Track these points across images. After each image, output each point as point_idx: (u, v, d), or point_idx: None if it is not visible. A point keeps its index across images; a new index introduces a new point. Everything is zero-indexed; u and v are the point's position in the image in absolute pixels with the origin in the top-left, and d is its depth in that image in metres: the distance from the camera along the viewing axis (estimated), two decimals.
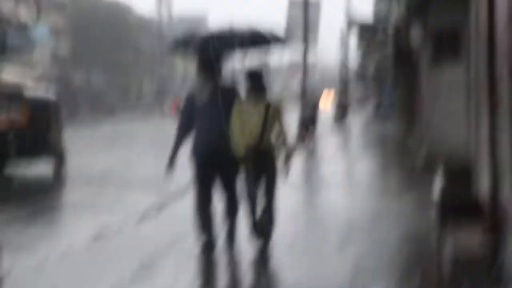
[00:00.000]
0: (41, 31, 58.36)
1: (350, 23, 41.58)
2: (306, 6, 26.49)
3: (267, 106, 7.19)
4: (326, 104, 65.86)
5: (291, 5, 27.33)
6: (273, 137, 7.23)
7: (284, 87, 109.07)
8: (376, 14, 33.02)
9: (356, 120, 42.63)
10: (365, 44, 38.26)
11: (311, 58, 38.55)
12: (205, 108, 7.25)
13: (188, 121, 7.31)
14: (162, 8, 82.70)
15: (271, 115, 7.17)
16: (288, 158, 7.25)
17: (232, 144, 7.11)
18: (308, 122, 24.37)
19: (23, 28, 53.26)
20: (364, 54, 45.44)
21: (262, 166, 7.16)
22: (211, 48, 7.26)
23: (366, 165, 17.01)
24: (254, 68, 7.43)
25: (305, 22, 26.14)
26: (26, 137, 14.71)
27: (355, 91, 72.49)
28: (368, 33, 33.91)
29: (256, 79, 7.29)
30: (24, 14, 56.45)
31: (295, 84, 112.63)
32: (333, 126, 36.85)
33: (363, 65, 51.77)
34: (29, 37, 54.65)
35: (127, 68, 76.93)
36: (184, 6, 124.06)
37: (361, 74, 55.05)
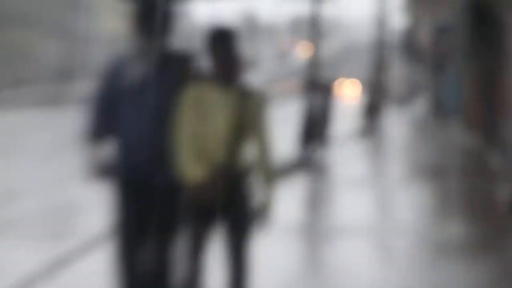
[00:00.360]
0: None
1: None
2: None
3: (243, 96, 6.63)
4: (349, 93, 66.26)
5: None
6: (249, 151, 6.76)
7: (280, 59, 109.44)
8: None
9: (399, 122, 43.30)
10: None
11: (328, 12, 38.46)
12: (134, 92, 6.73)
13: (105, 113, 6.84)
14: None
15: (249, 111, 6.64)
16: (271, 187, 6.72)
17: (176, 160, 6.54)
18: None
19: None
20: (414, 12, 45.61)
21: (229, 202, 6.61)
22: None
23: (412, 198, 17.12)
24: (221, 26, 6.76)
25: None
26: None
27: (397, 76, 72.68)
28: None
29: (224, 46, 6.65)
30: None
31: (296, 55, 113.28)
32: (359, 128, 37.67)
33: (412, 33, 51.95)
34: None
35: (14, 22, 76.88)
36: None
37: (409, 48, 55.30)
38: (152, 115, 6.58)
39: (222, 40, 6.60)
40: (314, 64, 26.67)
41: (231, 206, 6.56)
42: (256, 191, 6.74)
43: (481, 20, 21.28)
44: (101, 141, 6.84)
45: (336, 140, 28.38)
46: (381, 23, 50.94)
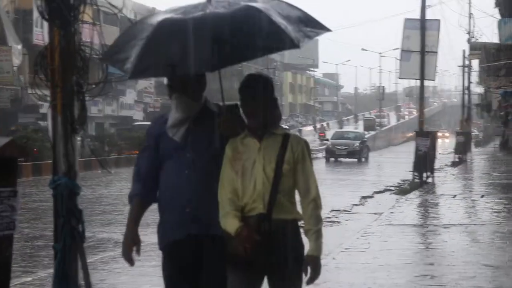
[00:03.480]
0: None
1: (472, 45, 40.69)
2: (423, 25, 25.68)
3: (281, 143, 4.30)
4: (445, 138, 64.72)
5: (407, 24, 26.58)
6: (291, 201, 4.33)
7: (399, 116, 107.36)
8: (501, 35, 32.17)
9: (480, 156, 42.03)
10: (488, 72, 37.38)
11: (431, 83, 38.22)
12: (180, 149, 4.49)
13: (152, 173, 4.56)
14: None
15: (289, 158, 4.28)
16: (318, 235, 4.30)
17: (220, 215, 4.30)
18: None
19: None
20: (486, 82, 44.65)
21: (272, 253, 4.25)
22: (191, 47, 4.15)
23: (490, 205, 16.48)
24: (252, 74, 4.43)
25: (422, 43, 25.41)
26: None
27: (477, 126, 71.05)
28: (492, 56, 33.06)
29: (256, 93, 4.29)
30: None
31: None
32: (454, 160, 36.24)
33: (486, 97, 50.70)
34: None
35: (232, 95, 77.68)
36: None
37: (485, 107, 53.91)
38: (198, 171, 4.43)
39: (253, 88, 4.30)
40: (421, 119, 26.43)
41: (274, 257, 4.25)
42: (304, 240, 4.36)
43: None
44: (150, 198, 4.59)
45: (438, 168, 27.91)
46: (465, 90, 50.07)
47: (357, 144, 42.07)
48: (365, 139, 44.83)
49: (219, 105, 4.58)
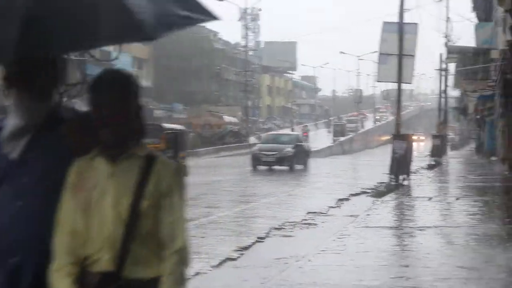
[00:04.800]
0: (124, 61, 59.75)
1: (449, 48, 40.98)
2: (401, 28, 25.80)
3: (148, 164, 3.00)
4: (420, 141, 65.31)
5: (386, 27, 26.67)
6: (153, 252, 2.98)
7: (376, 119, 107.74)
8: (478, 39, 32.43)
9: (455, 159, 42.33)
10: (464, 76, 37.68)
11: (407, 87, 38.44)
12: (13, 173, 3.08)
13: None
14: (248, 34, 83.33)
15: (152, 189, 2.97)
16: None
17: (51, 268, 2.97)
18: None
19: (105, 57, 54.66)
20: (463, 86, 45.06)
21: None
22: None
23: (465, 208, 16.65)
24: (110, 71, 3.10)
25: (400, 46, 25.53)
26: None
27: (453, 129, 71.53)
28: (469, 60, 33.31)
29: (108, 93, 2.98)
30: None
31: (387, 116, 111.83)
32: (430, 163, 36.47)
33: (462, 100, 51.15)
34: (111, 67, 55.86)
35: (210, 97, 77.59)
36: (271, 32, 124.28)
37: (460, 110, 54.38)
38: (36, 204, 3.01)
39: (107, 88, 2.98)
40: (398, 121, 26.60)
41: None
42: None
43: (506, 91, 20.99)
44: None
45: (414, 171, 28.12)
46: (442, 94, 50.38)
47: (289, 149, 34.89)
48: (301, 143, 37.24)
49: (75, 110, 3.23)
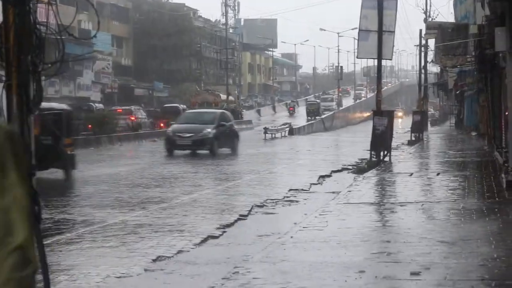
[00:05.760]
0: (103, 40, 59.34)
1: (429, 24, 41.03)
2: (381, 4, 25.73)
3: None
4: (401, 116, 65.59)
5: (365, 3, 26.62)
6: None
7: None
8: (457, 14, 32.56)
9: (436, 135, 42.55)
10: (444, 51, 37.79)
11: (388, 63, 38.44)
12: None
13: None
14: (228, 11, 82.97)
15: None
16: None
17: None
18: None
19: (83, 36, 54.20)
20: (443, 61, 45.21)
21: None
22: None
23: (445, 183, 16.75)
24: None
25: (380, 22, 25.51)
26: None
27: (433, 104, 71.64)
28: (448, 35, 33.41)
29: None
30: (85, 20, 57.48)
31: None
32: (411, 139, 36.67)
33: (442, 75, 51.34)
34: (91, 46, 55.55)
35: (190, 75, 77.36)
36: (251, 9, 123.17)
37: (440, 86, 54.55)
38: None
39: None
40: (379, 98, 26.65)
41: None
42: None
43: (485, 66, 21.13)
44: None
45: (396, 146, 28.22)
46: (422, 69, 50.50)
47: (209, 130, 29.00)
48: (226, 123, 30.84)
49: None
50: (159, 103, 63.82)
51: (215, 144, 29.04)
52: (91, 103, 48.88)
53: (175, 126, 30.35)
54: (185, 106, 59.36)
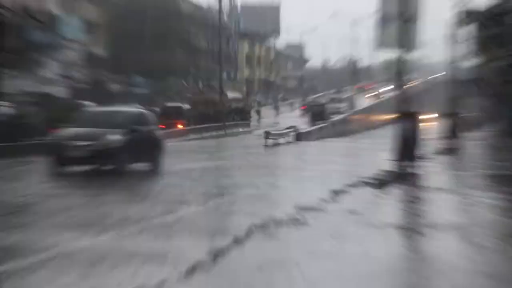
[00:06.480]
0: (73, 26, 59.16)
1: (460, 11, 40.91)
2: None
3: None
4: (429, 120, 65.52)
5: None
6: None
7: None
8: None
9: (473, 143, 42.58)
10: (480, 43, 37.62)
11: (413, 57, 38.04)
12: None
13: None
14: None
15: None
16: None
17: None
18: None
19: (51, 21, 54.00)
20: (478, 54, 45.08)
21: None
22: None
23: (484, 200, 16.46)
24: None
25: (403, 7, 25.35)
26: None
27: (467, 105, 71.54)
28: (483, 24, 33.26)
29: None
30: (53, 5, 57.31)
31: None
32: (443, 147, 36.68)
33: (478, 71, 51.22)
34: (58, 33, 55.32)
35: (177, 69, 77.27)
36: None
37: (476, 83, 54.41)
38: None
39: None
40: (403, 98, 26.42)
41: None
42: None
43: None
44: None
45: (425, 156, 28.00)
46: (454, 64, 50.30)
47: (117, 136, 23.15)
48: (144, 127, 25.09)
49: None
50: (139, 102, 63.39)
51: (124, 156, 23.19)
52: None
53: (67, 130, 23.82)
54: (189, 106, 59.41)
